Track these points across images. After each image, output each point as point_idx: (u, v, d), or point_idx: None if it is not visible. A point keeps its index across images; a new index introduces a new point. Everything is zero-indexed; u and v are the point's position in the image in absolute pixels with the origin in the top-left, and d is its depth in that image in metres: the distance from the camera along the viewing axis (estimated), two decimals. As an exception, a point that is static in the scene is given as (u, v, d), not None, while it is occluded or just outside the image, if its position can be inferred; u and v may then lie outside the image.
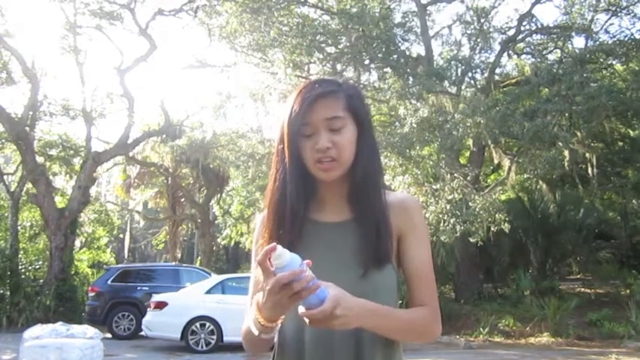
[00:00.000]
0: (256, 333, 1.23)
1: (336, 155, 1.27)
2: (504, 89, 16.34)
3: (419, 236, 1.36)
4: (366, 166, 1.31)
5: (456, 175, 13.54)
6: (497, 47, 16.97)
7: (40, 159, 17.40)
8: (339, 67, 16.09)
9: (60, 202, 17.65)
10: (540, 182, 17.31)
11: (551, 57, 17.13)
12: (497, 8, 16.97)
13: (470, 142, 15.48)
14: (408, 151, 13.22)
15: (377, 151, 1.38)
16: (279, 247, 1.10)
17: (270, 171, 1.37)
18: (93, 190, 19.53)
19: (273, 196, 1.33)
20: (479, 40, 16.54)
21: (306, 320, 1.12)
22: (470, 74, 16.58)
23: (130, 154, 20.19)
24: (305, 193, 1.31)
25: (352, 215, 1.32)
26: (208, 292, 11.00)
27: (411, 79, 14.88)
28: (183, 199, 25.27)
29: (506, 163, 14.61)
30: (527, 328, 13.14)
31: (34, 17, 41.84)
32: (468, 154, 17.48)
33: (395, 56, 15.38)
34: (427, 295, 1.33)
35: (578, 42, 24.88)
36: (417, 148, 13.49)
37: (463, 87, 16.18)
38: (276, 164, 1.33)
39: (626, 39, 15.26)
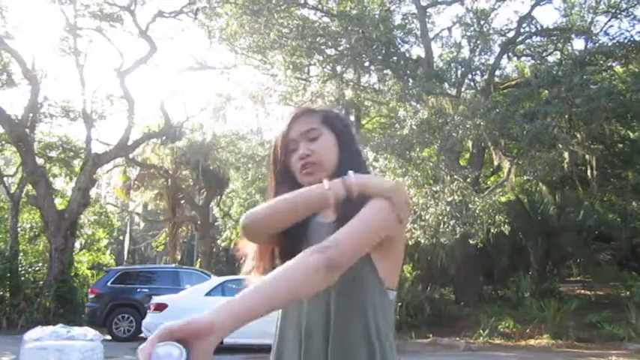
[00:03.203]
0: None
1: (316, 159, 1.41)
2: (504, 91, 16.36)
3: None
4: (346, 172, 1.37)
5: (455, 176, 13.55)
6: (497, 49, 17.01)
7: (40, 161, 17.39)
8: (338, 69, 16.11)
9: (60, 203, 17.64)
10: (540, 184, 17.33)
11: (550, 59, 17.16)
12: (497, 10, 17.00)
13: (470, 143, 15.49)
14: (407, 152, 13.23)
15: (359, 161, 1.48)
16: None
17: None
18: (93, 192, 19.52)
19: None
20: (479, 42, 16.56)
21: None
22: (470, 76, 16.60)
23: (130, 155, 20.19)
24: None
25: (336, 216, 1.38)
26: (208, 294, 10.99)
27: (410, 80, 14.89)
28: (183, 201, 25.27)
29: (506, 164, 14.63)
30: (527, 330, 13.14)
31: (34, 19, 41.96)
32: (467, 155, 17.49)
33: (395, 58, 15.40)
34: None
35: (578, 44, 24.84)
36: (417, 149, 13.51)
37: (463, 89, 16.20)
38: (274, 188, 1.47)
39: (626, 41, 15.28)
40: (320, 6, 16.52)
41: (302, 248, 1.30)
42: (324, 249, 1.18)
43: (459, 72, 16.03)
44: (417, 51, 17.29)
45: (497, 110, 12.86)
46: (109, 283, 13.70)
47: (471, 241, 13.61)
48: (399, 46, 15.93)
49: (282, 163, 1.46)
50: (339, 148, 1.45)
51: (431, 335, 12.78)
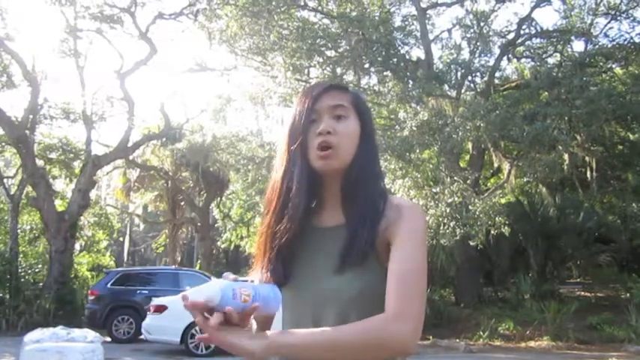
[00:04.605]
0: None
1: (335, 142, 1.26)
2: (504, 93, 16.36)
3: (403, 239, 1.23)
4: (363, 166, 1.29)
5: (455, 178, 13.55)
6: (496, 51, 17.02)
7: (40, 162, 17.39)
8: (339, 70, 16.12)
9: (60, 205, 17.65)
10: (540, 185, 17.32)
11: (550, 60, 17.16)
12: (497, 12, 17.03)
13: (470, 145, 15.49)
14: (407, 154, 13.22)
15: (377, 156, 1.37)
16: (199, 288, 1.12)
17: (273, 171, 1.35)
18: (93, 194, 19.53)
19: (280, 195, 1.30)
20: (479, 43, 16.57)
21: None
22: (470, 78, 16.60)
23: (130, 157, 20.19)
24: (309, 192, 1.29)
25: (344, 220, 1.29)
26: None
27: (410, 82, 14.90)
28: (183, 203, 25.26)
29: (506, 166, 14.62)
30: (528, 332, 13.14)
31: (34, 21, 41.98)
32: (467, 157, 17.49)
33: (395, 60, 15.40)
34: (392, 299, 1.15)
35: (578, 46, 24.94)
36: (417, 151, 13.50)
37: (463, 90, 16.20)
38: (286, 162, 1.30)
39: (626, 43, 15.29)
40: (320, 8, 16.52)
41: (299, 261, 1.29)
42: (405, 327, 1.11)
43: (459, 73, 16.03)
44: (417, 53, 17.32)
45: (497, 112, 12.86)
46: (108, 285, 13.69)
47: (471, 243, 13.61)
48: (399, 47, 15.94)
49: (301, 136, 1.27)
50: (360, 139, 1.30)
51: (431, 337, 12.77)
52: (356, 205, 1.28)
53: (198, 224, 24.09)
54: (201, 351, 10.58)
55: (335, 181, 1.30)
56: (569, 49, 17.23)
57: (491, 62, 16.78)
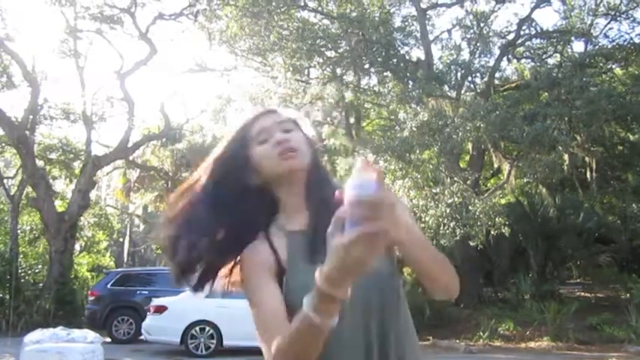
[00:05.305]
0: (317, 320, 0.98)
1: (295, 145, 1.30)
2: (504, 93, 16.37)
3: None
4: (322, 166, 1.39)
5: (455, 178, 13.55)
6: (496, 51, 17.03)
7: (40, 163, 17.39)
8: (338, 71, 16.14)
9: (60, 205, 17.64)
10: (540, 186, 17.32)
11: (550, 61, 17.17)
12: (497, 12, 17.05)
13: (470, 145, 15.49)
14: (407, 154, 13.23)
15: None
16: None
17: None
18: (93, 194, 19.52)
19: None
20: (478, 44, 16.58)
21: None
22: (469, 78, 16.61)
23: (130, 157, 20.18)
24: (266, 205, 1.33)
25: (311, 223, 1.28)
26: (208, 296, 10.97)
27: (410, 83, 14.91)
28: (183, 203, 25.21)
29: (505, 166, 14.63)
30: (528, 332, 13.13)
31: (34, 21, 42.01)
32: (467, 157, 17.49)
33: (395, 60, 15.41)
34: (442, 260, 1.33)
35: (578, 46, 24.93)
36: (417, 151, 13.51)
37: (463, 91, 16.21)
38: (239, 184, 1.32)
39: (626, 43, 15.32)
40: (320, 8, 16.53)
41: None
42: None
43: (459, 74, 16.04)
44: (417, 53, 17.32)
45: (497, 112, 12.86)
46: (108, 286, 13.69)
47: (471, 243, 13.61)
48: (399, 48, 15.95)
49: (242, 160, 1.32)
50: (307, 145, 1.35)
51: (431, 338, 12.77)
52: (324, 205, 1.24)
53: (199, 225, 24.06)
54: (201, 351, 10.58)
55: (296, 183, 1.32)
56: (569, 50, 17.26)
57: (491, 63, 16.81)
